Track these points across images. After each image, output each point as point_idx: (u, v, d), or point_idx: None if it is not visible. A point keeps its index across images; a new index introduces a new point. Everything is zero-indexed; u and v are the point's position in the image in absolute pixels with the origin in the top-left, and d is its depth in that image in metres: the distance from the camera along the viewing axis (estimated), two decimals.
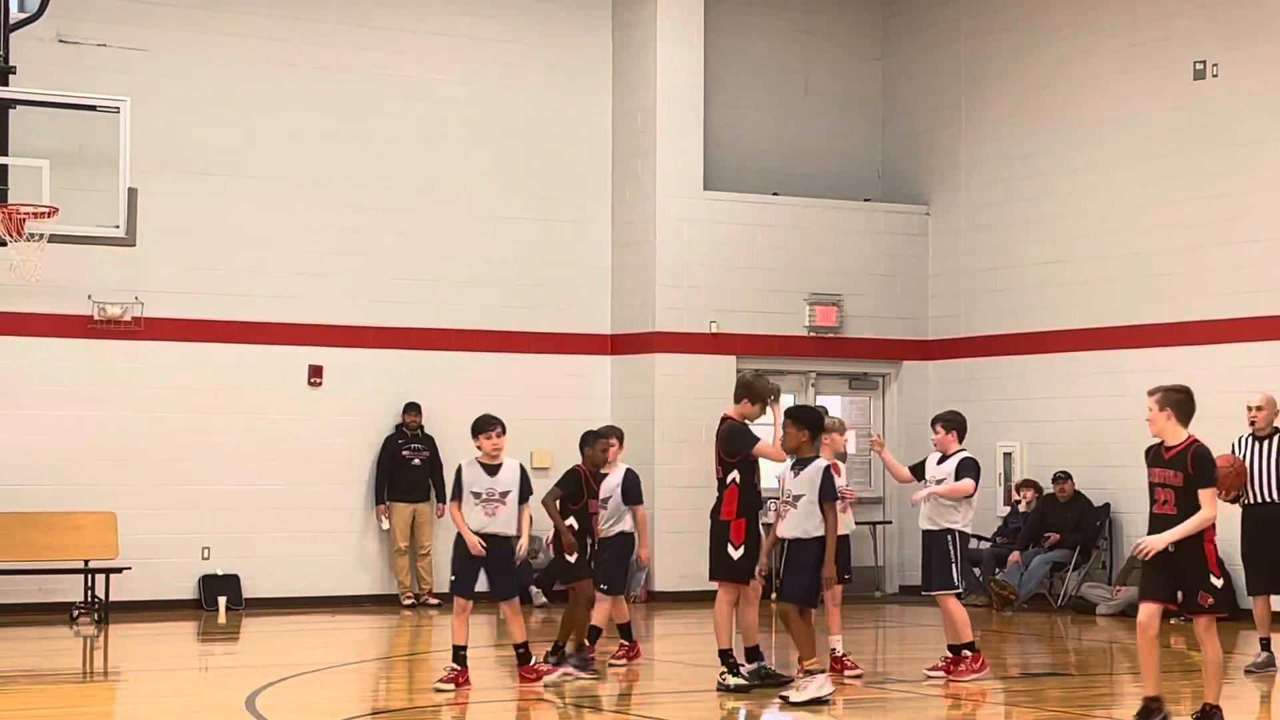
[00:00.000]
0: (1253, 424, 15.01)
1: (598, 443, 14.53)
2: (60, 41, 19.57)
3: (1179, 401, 11.31)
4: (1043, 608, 20.68)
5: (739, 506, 13.44)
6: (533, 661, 13.82)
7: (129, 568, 18.89)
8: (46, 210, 17.44)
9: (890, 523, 22.71)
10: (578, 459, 14.57)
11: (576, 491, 14.32)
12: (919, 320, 23.20)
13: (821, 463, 13.09)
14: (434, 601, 20.44)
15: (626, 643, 15.03)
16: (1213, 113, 19.96)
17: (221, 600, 19.79)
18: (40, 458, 19.39)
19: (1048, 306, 21.64)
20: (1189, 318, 20.04)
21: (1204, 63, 20.06)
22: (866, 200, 23.33)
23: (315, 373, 20.77)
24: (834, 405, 22.62)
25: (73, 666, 16.06)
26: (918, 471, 14.67)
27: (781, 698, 12.95)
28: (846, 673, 14.22)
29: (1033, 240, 21.89)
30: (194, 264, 20.18)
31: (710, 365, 21.69)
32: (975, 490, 14.31)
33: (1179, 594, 11.23)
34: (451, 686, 13.35)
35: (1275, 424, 15.01)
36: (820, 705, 12.78)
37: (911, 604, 21.66)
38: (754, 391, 13.63)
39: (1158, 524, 11.24)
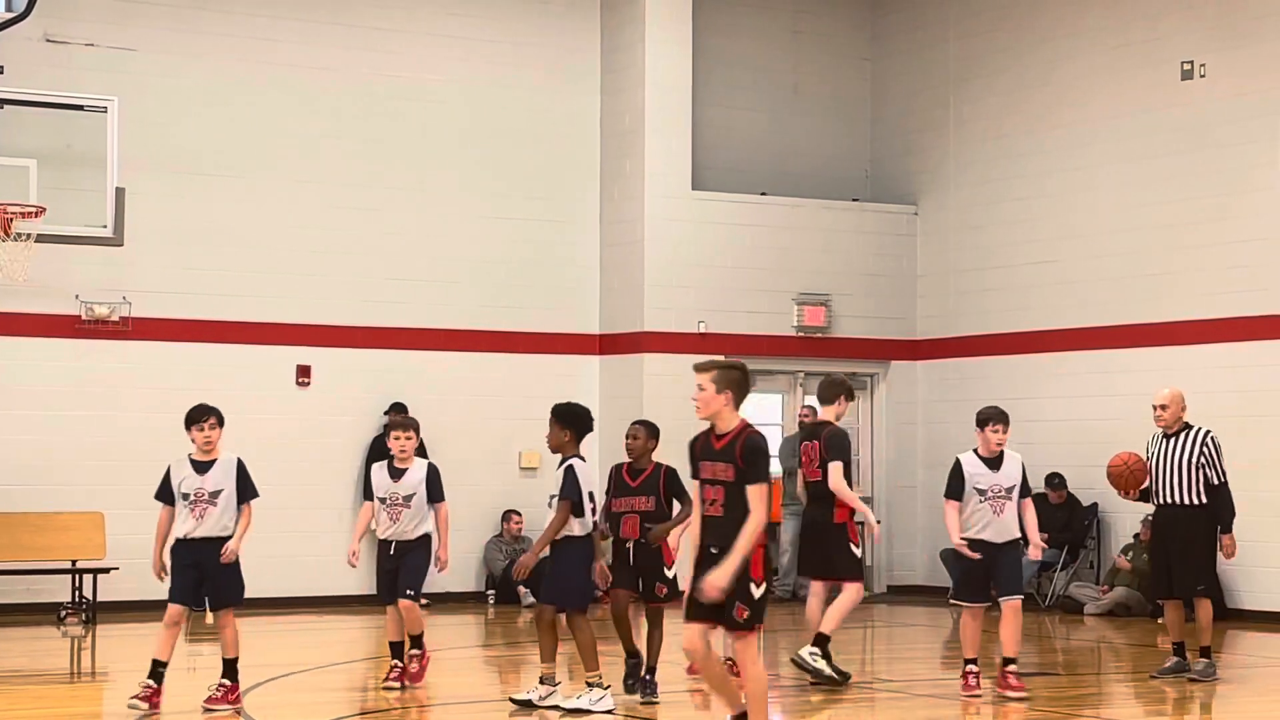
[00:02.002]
0: (1159, 421, 14.30)
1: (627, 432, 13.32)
2: (48, 41, 19.52)
3: (739, 381, 9.64)
4: (1031, 607, 20.60)
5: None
6: (230, 684, 12.62)
7: (116, 568, 18.83)
8: (34, 210, 17.40)
9: (880, 522, 22.65)
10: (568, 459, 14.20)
11: (608, 489, 13.18)
12: (907, 320, 23.18)
13: (568, 463, 12.25)
14: (423, 602, 20.35)
15: (398, 663, 13.76)
16: (1201, 113, 19.97)
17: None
18: (27, 458, 19.34)
19: (1037, 306, 21.64)
20: (1178, 318, 20.04)
21: (1192, 63, 20.07)
22: (855, 200, 23.31)
23: (303, 372, 20.73)
24: None
25: (60, 667, 16.03)
26: (956, 492, 13.42)
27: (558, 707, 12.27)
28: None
29: (1021, 240, 21.88)
30: (182, 264, 20.13)
31: None
32: None
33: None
34: (146, 706, 12.12)
35: (1187, 420, 14.27)
36: (584, 715, 12.09)
37: (900, 604, 21.64)
38: (849, 390, 14.26)
39: (707, 528, 9.59)
